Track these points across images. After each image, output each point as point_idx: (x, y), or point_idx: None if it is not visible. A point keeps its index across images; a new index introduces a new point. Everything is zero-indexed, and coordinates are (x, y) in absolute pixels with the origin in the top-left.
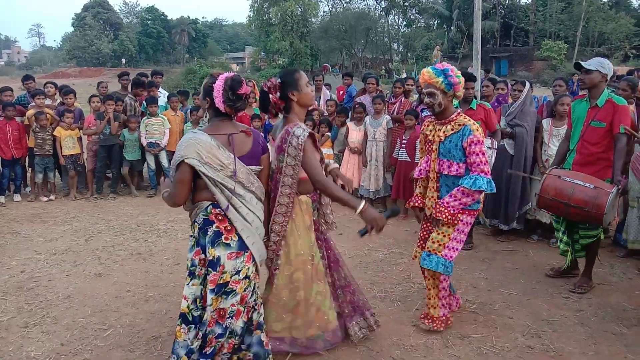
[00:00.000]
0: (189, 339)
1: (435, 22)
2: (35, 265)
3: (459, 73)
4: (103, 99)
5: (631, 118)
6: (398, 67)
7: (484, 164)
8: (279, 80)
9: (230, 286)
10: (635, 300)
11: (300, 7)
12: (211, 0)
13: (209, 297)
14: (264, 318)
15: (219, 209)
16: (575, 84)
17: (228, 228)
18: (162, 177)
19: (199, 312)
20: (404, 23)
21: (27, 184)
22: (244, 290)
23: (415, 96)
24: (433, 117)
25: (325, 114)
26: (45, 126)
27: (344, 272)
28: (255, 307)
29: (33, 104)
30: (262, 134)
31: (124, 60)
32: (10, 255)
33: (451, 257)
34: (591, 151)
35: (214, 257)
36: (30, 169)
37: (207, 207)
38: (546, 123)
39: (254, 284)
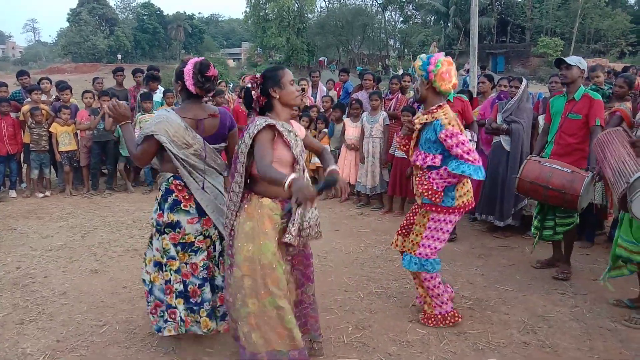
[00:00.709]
0: (164, 282)
1: (432, 19)
2: (30, 261)
3: (445, 64)
4: (98, 95)
5: (627, 115)
6: (395, 63)
7: (468, 153)
8: (260, 76)
9: (197, 245)
10: (630, 296)
11: (297, 3)
12: None
13: (172, 250)
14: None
15: (179, 181)
16: None
17: (187, 197)
18: (158, 175)
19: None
20: (401, 19)
21: (22, 180)
22: (208, 247)
23: (412, 92)
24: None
25: (321, 110)
26: (40, 122)
27: (312, 291)
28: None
29: (28, 99)
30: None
31: (119, 56)
32: (6, 251)
33: (426, 255)
34: (568, 142)
35: (172, 220)
36: (25, 165)
37: (169, 178)
38: (542, 119)
39: (217, 242)
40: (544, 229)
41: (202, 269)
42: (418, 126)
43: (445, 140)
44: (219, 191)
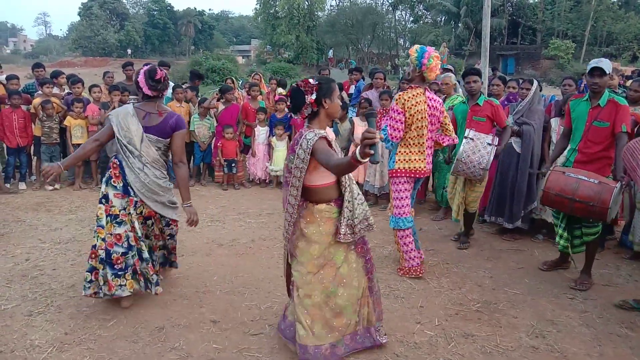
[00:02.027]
0: (91, 246)
1: (443, 19)
2: (39, 253)
3: (435, 59)
4: (108, 89)
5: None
6: (404, 62)
7: (392, 128)
8: (317, 83)
9: (120, 218)
10: (636, 296)
11: (307, 1)
12: None
13: (104, 219)
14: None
15: (117, 160)
16: (583, 84)
17: (117, 174)
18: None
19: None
20: (411, 19)
21: (32, 172)
22: (131, 223)
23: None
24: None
25: None
26: (51, 115)
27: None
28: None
29: (40, 92)
30: (268, 128)
31: (129, 51)
32: (15, 243)
33: (397, 214)
34: (593, 150)
35: (105, 192)
36: (35, 157)
37: (112, 156)
38: (554, 122)
39: (140, 221)
40: (574, 238)
41: (125, 239)
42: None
43: (389, 110)
44: (150, 178)
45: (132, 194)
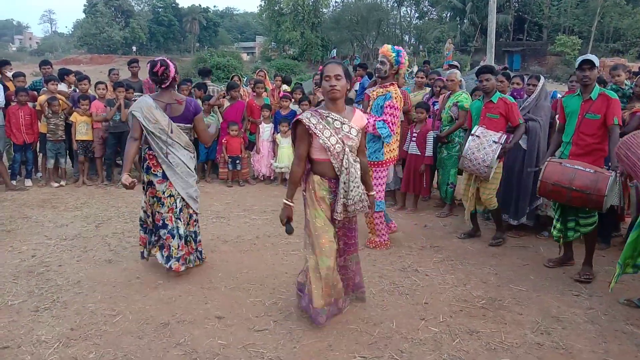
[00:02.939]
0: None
1: (448, 15)
2: (45, 250)
3: (406, 57)
4: (113, 86)
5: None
6: (410, 59)
7: (393, 124)
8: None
9: (162, 200)
10: None
11: None
12: None
13: (150, 200)
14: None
15: (151, 151)
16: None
17: (155, 164)
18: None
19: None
20: (416, 15)
21: (38, 169)
22: (170, 205)
23: (427, 89)
24: (378, 83)
25: None
26: (57, 112)
27: (356, 259)
28: (189, 221)
29: (45, 89)
30: (272, 125)
31: (134, 48)
32: (21, 239)
33: (379, 198)
34: (587, 142)
35: (148, 180)
36: (41, 154)
37: (146, 148)
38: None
39: (177, 200)
40: (567, 229)
41: (162, 219)
42: (374, 96)
43: (387, 107)
44: (182, 161)
45: (167, 178)
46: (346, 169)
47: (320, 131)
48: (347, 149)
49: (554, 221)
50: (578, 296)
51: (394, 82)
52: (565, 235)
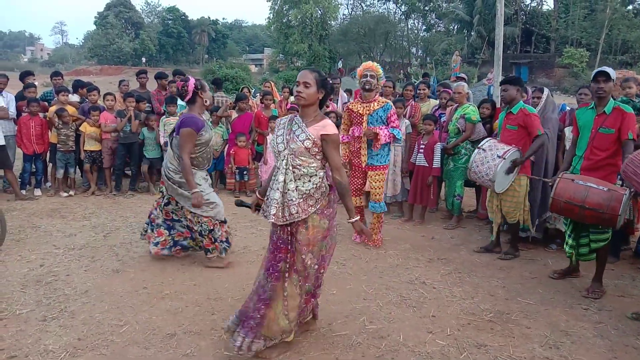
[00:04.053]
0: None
1: (455, 27)
2: (54, 259)
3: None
4: (123, 97)
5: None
6: (417, 71)
7: (398, 126)
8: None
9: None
10: None
11: (320, 10)
12: (231, 1)
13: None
14: None
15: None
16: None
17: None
18: None
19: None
20: (424, 27)
21: (47, 179)
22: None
23: (436, 101)
24: (361, 97)
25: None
26: (68, 122)
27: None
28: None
29: (56, 99)
30: None
31: (144, 59)
32: (30, 249)
33: (381, 199)
34: (600, 157)
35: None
36: (51, 164)
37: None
38: (568, 131)
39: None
40: (580, 246)
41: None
42: (368, 111)
43: (391, 115)
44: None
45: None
46: (275, 175)
47: (276, 131)
48: (286, 152)
49: (566, 237)
50: (587, 310)
51: (377, 95)
52: (578, 253)
